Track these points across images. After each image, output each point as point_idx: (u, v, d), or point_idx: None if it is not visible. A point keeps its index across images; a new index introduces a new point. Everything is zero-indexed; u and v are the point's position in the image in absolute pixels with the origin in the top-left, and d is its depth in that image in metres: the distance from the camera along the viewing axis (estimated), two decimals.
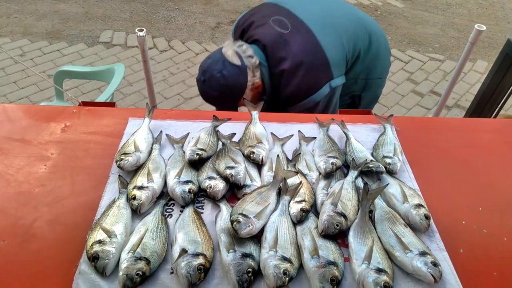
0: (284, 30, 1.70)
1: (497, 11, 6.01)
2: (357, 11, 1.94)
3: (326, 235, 1.06)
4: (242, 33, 1.87)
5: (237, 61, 1.67)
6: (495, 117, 2.64)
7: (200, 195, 1.22)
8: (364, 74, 1.90)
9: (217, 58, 1.69)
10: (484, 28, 1.92)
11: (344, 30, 1.77)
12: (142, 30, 1.91)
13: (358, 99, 2.00)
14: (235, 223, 1.04)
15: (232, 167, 1.22)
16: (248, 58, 1.69)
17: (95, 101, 2.21)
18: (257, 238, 1.07)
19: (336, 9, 1.87)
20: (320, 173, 1.28)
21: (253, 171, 1.29)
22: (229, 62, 1.67)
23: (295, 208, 1.13)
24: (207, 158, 1.30)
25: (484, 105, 2.59)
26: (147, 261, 0.98)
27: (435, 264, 0.98)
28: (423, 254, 1.00)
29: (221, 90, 1.69)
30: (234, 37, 1.95)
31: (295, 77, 1.69)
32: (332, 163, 1.26)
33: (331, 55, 1.69)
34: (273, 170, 1.24)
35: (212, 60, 1.71)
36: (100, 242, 1.02)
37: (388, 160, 1.31)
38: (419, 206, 1.14)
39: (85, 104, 1.61)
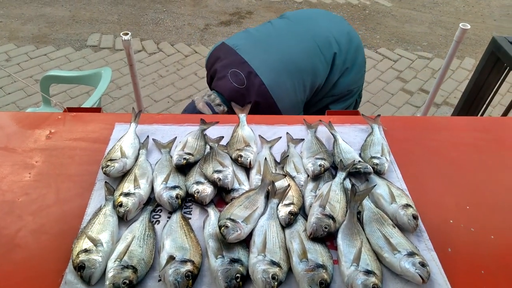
0: (239, 85, 1.89)
1: (483, 9, 6.08)
2: (318, 30, 2.01)
3: (314, 237, 1.05)
4: (211, 76, 2.09)
5: (208, 111, 1.93)
6: (482, 114, 2.66)
7: (187, 200, 1.21)
8: (331, 92, 2.08)
9: (190, 111, 1.97)
10: (469, 26, 1.94)
11: (299, 72, 1.91)
12: (127, 34, 1.89)
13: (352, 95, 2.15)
14: (223, 228, 1.03)
15: (220, 171, 1.22)
16: (217, 106, 1.95)
17: (82, 106, 2.19)
18: (245, 242, 1.06)
19: (293, 46, 1.96)
20: (308, 175, 1.28)
21: (241, 175, 1.28)
22: (201, 113, 1.92)
23: (283, 211, 1.12)
24: (195, 163, 1.29)
25: (471, 103, 2.61)
26: (134, 269, 0.96)
27: (423, 264, 0.98)
28: (411, 254, 1.00)
29: None
30: (207, 70, 2.18)
31: None
32: (320, 165, 1.26)
33: (283, 105, 1.89)
34: (261, 173, 1.23)
35: (186, 112, 1.99)
36: (86, 251, 1.00)
37: (375, 161, 1.31)
38: (407, 206, 1.15)
39: (70, 110, 1.59)
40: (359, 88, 2.17)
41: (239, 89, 1.89)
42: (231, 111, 1.84)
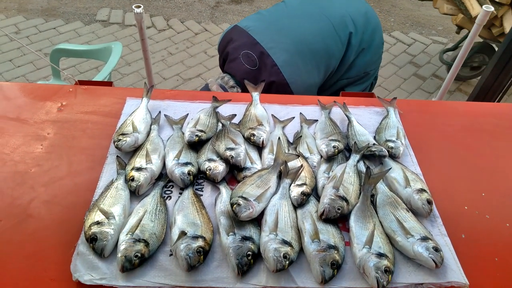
0: (252, 67, 1.85)
1: None
2: (333, 10, 1.95)
3: (327, 219, 1.05)
4: (223, 59, 2.06)
5: None
6: (498, 101, 2.61)
7: (199, 177, 1.20)
8: (347, 74, 2.05)
9: None
10: (492, 9, 1.87)
11: (313, 55, 1.87)
12: (139, 6, 1.85)
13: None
14: (235, 206, 1.02)
15: (232, 149, 1.20)
16: (231, 88, 1.92)
17: (92, 80, 2.17)
18: (257, 221, 1.06)
19: (307, 28, 1.90)
20: (321, 156, 1.26)
21: (254, 154, 1.27)
22: None
23: (295, 191, 1.11)
24: (207, 140, 1.28)
25: (487, 90, 2.56)
26: (146, 243, 0.96)
27: (436, 249, 0.97)
28: (424, 239, 0.99)
29: None
30: (219, 53, 2.15)
31: None
32: (334, 146, 1.24)
33: (296, 87, 1.85)
34: (274, 153, 1.22)
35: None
36: (98, 223, 1.00)
37: (390, 144, 1.29)
38: (421, 191, 1.13)
39: (81, 83, 1.57)
40: (375, 70, 2.13)
41: (251, 70, 1.87)
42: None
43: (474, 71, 3.92)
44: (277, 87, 1.84)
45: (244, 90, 1.80)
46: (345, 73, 2.00)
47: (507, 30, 3.26)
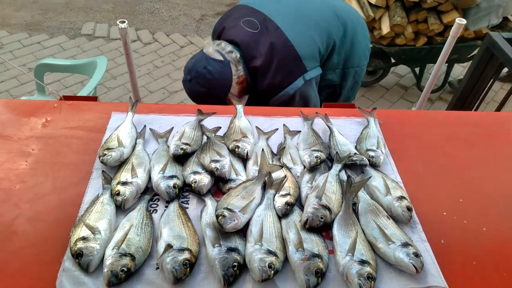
0: (253, 30, 1.76)
1: None
2: (332, 1, 1.96)
3: (310, 228, 1.07)
4: (217, 38, 1.94)
5: (219, 57, 1.73)
6: (476, 109, 2.69)
7: (185, 190, 1.21)
8: (342, 64, 1.95)
9: (200, 57, 1.76)
10: (465, 21, 1.95)
11: (315, 24, 1.82)
12: (123, 22, 1.87)
13: (339, 88, 2.05)
14: (220, 217, 1.04)
15: (217, 161, 1.22)
16: (228, 54, 1.75)
17: (77, 95, 2.17)
18: (242, 232, 1.07)
19: (308, 3, 1.90)
20: (304, 167, 1.29)
21: (238, 165, 1.29)
22: (211, 58, 1.72)
23: (280, 201, 1.13)
24: (192, 153, 1.29)
25: (465, 99, 2.64)
26: (132, 257, 0.97)
27: (416, 255, 1.00)
28: (405, 245, 1.02)
29: (208, 86, 1.72)
30: (213, 35, 2.02)
31: (268, 73, 1.76)
32: (316, 157, 1.27)
33: (301, 50, 1.74)
34: (258, 164, 1.24)
35: (195, 60, 1.77)
36: (84, 238, 1.00)
37: (371, 153, 1.32)
38: (401, 198, 1.16)
39: (66, 98, 1.58)
40: (357, 73, 2.05)
41: (253, 33, 1.76)
42: (244, 62, 1.76)
43: (372, 76, 4.03)
44: (280, 50, 1.73)
45: (243, 55, 1.74)
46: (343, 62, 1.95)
47: (384, 32, 3.40)
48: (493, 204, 1.25)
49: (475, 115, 1.92)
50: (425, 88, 2.32)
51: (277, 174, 1.22)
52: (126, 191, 1.13)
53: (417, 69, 3.90)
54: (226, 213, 1.05)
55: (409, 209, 1.14)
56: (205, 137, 1.37)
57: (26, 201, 1.14)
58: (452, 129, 1.56)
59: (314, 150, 1.30)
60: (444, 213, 1.21)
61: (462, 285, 1.02)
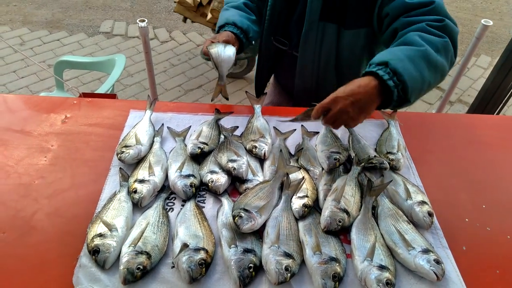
0: None
1: (501, 6, 5.95)
2: None
3: (328, 231, 1.05)
4: None
5: None
6: (498, 113, 2.62)
7: (201, 189, 1.21)
8: None
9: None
10: (491, 23, 1.90)
11: None
12: (143, 20, 1.89)
13: None
14: (237, 218, 1.03)
15: (234, 160, 1.21)
16: None
17: (96, 92, 2.19)
18: (259, 233, 1.06)
19: None
20: (322, 169, 1.27)
21: (255, 166, 1.28)
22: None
23: (297, 203, 1.12)
24: (209, 152, 1.29)
25: (487, 101, 2.57)
26: (148, 255, 0.97)
27: (437, 261, 0.97)
28: (426, 251, 0.99)
29: None
30: None
31: None
32: (335, 159, 1.25)
33: None
34: (276, 165, 1.23)
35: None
36: (101, 235, 1.01)
37: (391, 156, 1.29)
38: (422, 203, 1.13)
39: (85, 95, 1.59)
40: None
41: None
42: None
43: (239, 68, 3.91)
44: None
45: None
46: None
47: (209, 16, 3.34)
48: None
49: (498, 119, 1.86)
50: (446, 90, 2.27)
51: (295, 176, 1.20)
52: (143, 189, 1.13)
53: None
54: (243, 213, 1.04)
55: (430, 214, 1.11)
56: (222, 137, 1.37)
57: (45, 196, 1.15)
58: (474, 133, 1.52)
59: (333, 152, 1.28)
60: (466, 219, 1.17)
61: None
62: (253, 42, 1.53)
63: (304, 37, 1.46)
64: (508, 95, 2.49)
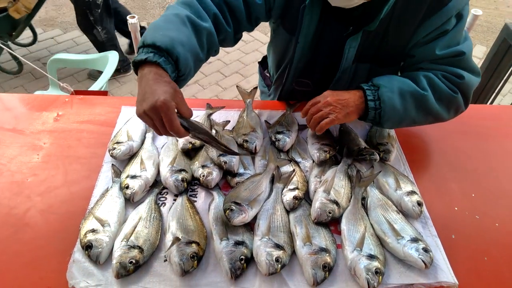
0: None
1: None
2: None
3: (318, 222, 1.06)
4: None
5: None
6: (491, 102, 2.63)
7: (193, 184, 1.22)
8: None
9: None
10: (481, 12, 1.90)
11: None
12: (133, 17, 1.88)
13: None
14: (228, 211, 1.04)
15: (225, 155, 1.22)
16: None
17: (89, 89, 2.20)
18: (250, 226, 1.08)
19: None
20: (313, 161, 1.28)
21: (247, 159, 1.29)
22: None
23: (288, 195, 1.13)
24: (201, 147, 1.30)
25: (481, 91, 2.58)
26: (140, 249, 0.98)
27: (426, 250, 0.99)
28: (414, 240, 1.01)
29: None
30: None
31: None
32: (325, 151, 1.26)
33: None
34: (267, 158, 1.24)
35: None
36: (93, 231, 1.02)
37: (382, 148, 1.30)
38: (411, 193, 1.15)
39: (77, 93, 1.59)
40: None
41: None
42: None
43: None
44: None
45: None
46: None
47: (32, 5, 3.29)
48: (506, 199, 1.23)
49: (490, 108, 1.87)
50: None
51: (286, 168, 1.21)
52: (135, 184, 1.14)
53: None
54: (233, 206, 1.05)
55: (419, 204, 1.12)
56: (213, 131, 1.37)
57: (38, 193, 1.16)
58: (465, 122, 1.52)
59: (323, 144, 1.29)
60: (456, 208, 1.18)
61: (472, 281, 1.01)
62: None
63: (336, 82, 1.38)
64: (500, 84, 2.49)
